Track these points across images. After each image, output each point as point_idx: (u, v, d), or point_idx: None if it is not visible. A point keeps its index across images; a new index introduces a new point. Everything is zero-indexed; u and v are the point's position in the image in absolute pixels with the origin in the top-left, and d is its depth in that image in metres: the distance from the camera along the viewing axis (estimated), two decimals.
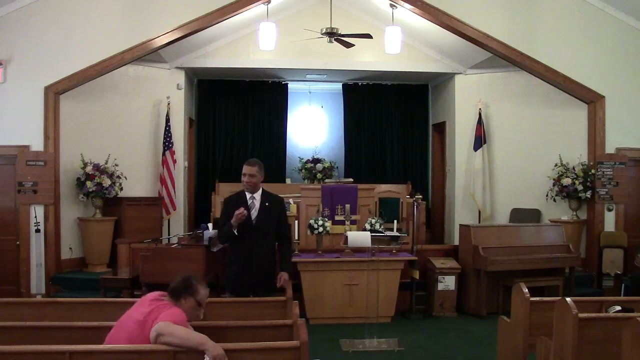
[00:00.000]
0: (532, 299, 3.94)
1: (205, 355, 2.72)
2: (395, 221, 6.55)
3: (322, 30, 7.49)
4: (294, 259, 5.79)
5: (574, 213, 7.90)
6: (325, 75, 10.10)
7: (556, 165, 8.00)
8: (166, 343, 2.76)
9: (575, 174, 7.74)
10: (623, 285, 7.26)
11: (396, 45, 7.64)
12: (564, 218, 7.87)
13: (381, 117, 10.69)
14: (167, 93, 8.70)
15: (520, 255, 6.53)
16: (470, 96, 9.08)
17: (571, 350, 3.26)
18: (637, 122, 7.74)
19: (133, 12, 7.07)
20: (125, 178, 7.78)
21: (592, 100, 7.75)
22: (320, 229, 6.27)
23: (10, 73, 6.96)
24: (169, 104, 8.62)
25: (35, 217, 6.97)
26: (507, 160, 8.83)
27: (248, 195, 4.45)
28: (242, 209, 4.26)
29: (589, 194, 7.64)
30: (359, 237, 5.43)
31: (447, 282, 6.59)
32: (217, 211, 8.00)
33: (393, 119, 10.71)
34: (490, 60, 8.43)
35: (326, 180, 9.39)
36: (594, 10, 7.59)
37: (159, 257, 5.60)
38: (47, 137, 7.04)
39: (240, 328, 3.31)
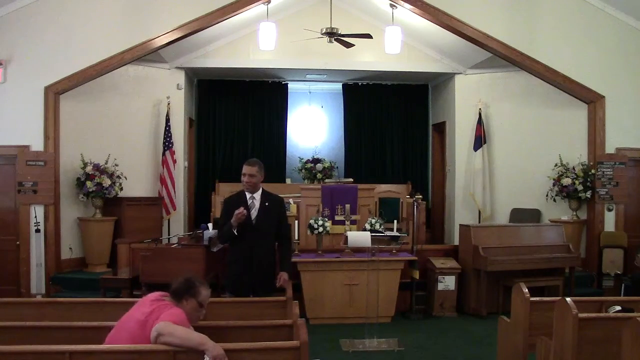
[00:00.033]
0: (532, 299, 3.94)
1: (205, 355, 2.72)
2: (395, 221, 6.55)
3: (322, 30, 7.49)
4: (294, 259, 5.79)
5: (574, 213, 7.90)
6: (325, 75, 10.10)
7: (556, 165, 8.00)
8: (166, 343, 2.76)
9: (575, 174, 7.74)
10: (623, 285, 7.26)
11: (396, 45, 7.64)
12: (564, 218, 7.87)
13: (381, 117, 10.69)
14: (167, 93, 8.70)
15: (520, 255, 6.53)
16: (470, 96, 9.08)
17: (571, 350, 3.26)
18: (637, 122, 7.74)
19: (133, 12, 7.07)
20: (125, 178, 7.78)
21: (592, 100, 7.76)
22: (320, 229, 6.27)
23: (10, 73, 6.96)
24: (169, 104, 8.62)
25: (35, 217, 6.97)
26: (507, 160, 8.83)
27: (248, 195, 4.45)
28: (242, 209, 4.26)
29: (589, 194, 7.64)
30: (359, 237, 5.43)
31: (447, 282, 6.59)
32: (217, 211, 8.00)
33: (393, 119, 10.71)
34: (490, 60, 8.43)
35: (326, 180, 9.39)
36: (594, 10, 7.59)
37: (159, 257, 5.60)
38: (47, 137, 7.05)
39: (240, 328, 3.31)
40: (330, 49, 8.13)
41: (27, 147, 6.99)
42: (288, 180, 10.26)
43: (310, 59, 8.99)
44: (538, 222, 8.14)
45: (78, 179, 7.42)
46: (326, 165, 10.02)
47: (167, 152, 8.42)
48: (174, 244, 6.65)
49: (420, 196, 7.57)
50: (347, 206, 6.78)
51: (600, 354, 3.32)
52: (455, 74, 9.31)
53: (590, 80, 7.63)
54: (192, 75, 9.83)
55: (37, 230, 6.98)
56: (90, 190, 7.30)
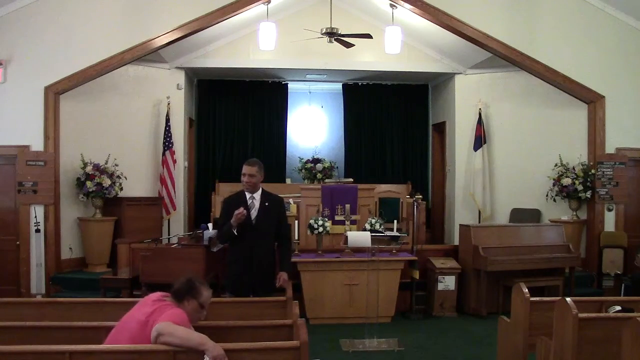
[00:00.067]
0: (532, 299, 3.94)
1: (205, 355, 2.72)
2: (395, 221, 6.55)
3: (322, 30, 7.49)
4: (294, 259, 5.79)
5: (574, 213, 7.90)
6: (325, 75, 10.10)
7: (556, 165, 8.00)
8: (166, 343, 2.76)
9: (575, 174, 7.74)
10: (623, 285, 7.26)
11: (396, 45, 7.64)
12: (564, 218, 7.87)
13: (381, 117, 10.69)
14: (167, 93, 8.70)
15: (520, 255, 6.53)
16: (470, 96, 9.08)
17: (571, 350, 3.26)
18: (637, 122, 7.74)
19: (133, 12, 7.07)
20: (125, 178, 7.78)
21: (592, 100, 7.76)
22: (320, 229, 6.27)
23: (10, 73, 6.96)
24: (169, 104, 8.62)
25: (35, 217, 6.97)
26: (507, 160, 8.83)
27: (248, 195, 4.45)
28: (241, 209, 4.26)
29: (589, 194, 7.64)
30: (359, 237, 5.42)
31: (447, 282, 6.59)
32: (217, 211, 8.00)
33: (393, 119, 10.71)
34: (490, 60, 8.43)
35: (326, 180, 9.39)
36: (594, 10, 7.59)
37: (159, 257, 5.60)
38: (47, 137, 7.05)
39: (240, 328, 3.31)
40: (330, 49, 8.13)
41: (27, 147, 6.99)
42: (288, 180, 10.26)
43: (310, 59, 8.99)
44: (538, 222, 8.14)
45: (78, 179, 7.42)
46: (326, 165, 10.02)
47: (167, 152, 8.42)
48: (174, 244, 6.65)
49: (420, 196, 7.57)
50: (347, 206, 6.78)
51: (600, 354, 3.32)
52: (455, 74, 9.31)
53: (590, 80, 7.63)
54: (192, 75, 9.83)
55: (37, 230, 6.98)
56: (90, 190, 7.30)
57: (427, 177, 10.69)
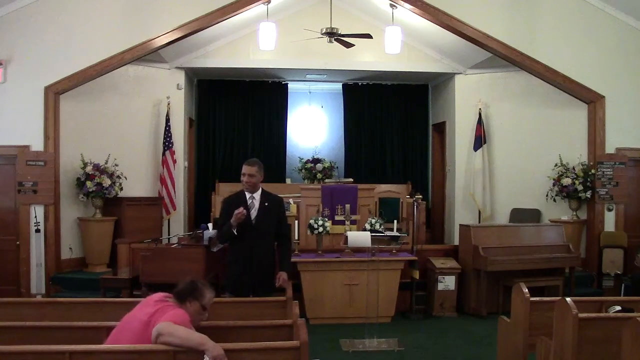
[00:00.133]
0: (532, 299, 3.94)
1: (205, 356, 2.72)
2: (395, 221, 6.55)
3: (322, 30, 7.49)
4: (294, 259, 5.79)
5: (574, 213, 7.90)
6: (325, 75, 10.10)
7: (556, 165, 8.00)
8: (166, 343, 2.76)
9: (575, 174, 7.74)
10: (623, 285, 7.26)
11: (396, 45, 7.64)
12: (564, 218, 7.87)
13: (381, 117, 10.69)
14: (167, 93, 8.70)
15: (520, 255, 6.53)
16: (470, 96, 9.08)
17: (571, 350, 3.26)
18: (637, 122, 7.74)
19: (133, 12, 7.07)
20: (125, 178, 7.78)
21: (592, 100, 7.76)
22: (320, 229, 6.27)
23: (10, 73, 6.96)
24: (169, 104, 8.62)
25: (35, 217, 6.97)
26: (507, 160, 8.83)
27: (248, 195, 4.46)
28: (241, 209, 4.26)
29: (589, 194, 7.64)
30: (359, 237, 5.42)
31: (447, 282, 6.59)
32: (217, 211, 7.99)
33: (393, 119, 10.71)
34: (490, 60, 8.43)
35: (326, 180, 9.39)
36: (594, 10, 7.59)
37: (159, 257, 5.60)
38: (47, 137, 7.05)
39: (240, 328, 3.31)
40: (330, 49, 8.13)
41: (27, 147, 6.99)
42: (288, 180, 10.26)
43: (310, 59, 8.99)
44: (538, 222, 8.14)
45: (78, 179, 7.42)
46: (326, 165, 10.02)
47: (167, 152, 8.42)
48: (174, 244, 6.65)
49: (420, 196, 7.57)
50: (347, 206, 6.78)
51: (600, 354, 3.32)
52: (455, 74, 9.31)
53: (590, 80, 7.63)
54: (192, 75, 9.83)
55: (37, 230, 6.98)
56: (90, 190, 7.30)
57: (427, 177, 10.69)
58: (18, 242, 7.02)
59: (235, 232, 4.32)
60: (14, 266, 7.01)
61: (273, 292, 4.36)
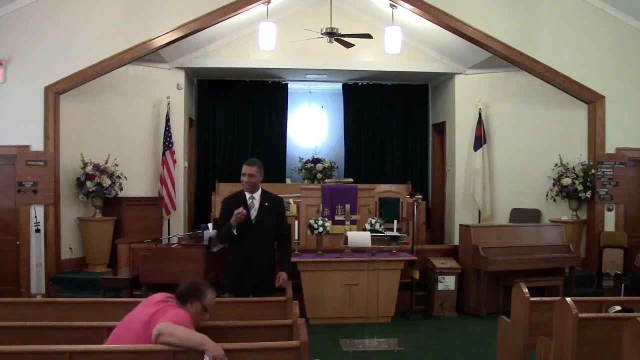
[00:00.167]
0: (532, 299, 3.94)
1: (205, 355, 2.72)
2: (395, 221, 6.55)
3: (322, 30, 7.49)
4: (294, 259, 5.79)
5: (574, 213, 7.90)
6: (325, 75, 10.10)
7: (556, 165, 8.00)
8: (166, 343, 2.76)
9: (575, 174, 7.74)
10: (623, 285, 7.26)
11: (396, 45, 7.64)
12: (564, 218, 7.87)
13: (381, 117, 10.69)
14: (167, 93, 8.70)
15: (520, 255, 6.53)
16: (470, 96, 9.08)
17: (571, 350, 3.26)
18: (637, 122, 7.74)
19: (133, 12, 7.07)
20: (125, 178, 7.78)
21: (592, 100, 7.76)
22: (320, 229, 6.27)
23: (10, 73, 6.96)
24: (169, 104, 8.62)
25: (35, 217, 6.97)
26: (507, 160, 8.83)
27: (247, 195, 4.46)
28: (241, 209, 4.26)
29: (589, 194, 7.64)
30: (359, 237, 5.42)
31: (447, 282, 6.59)
32: (217, 211, 7.99)
33: (393, 119, 10.71)
34: (490, 60, 8.43)
35: (326, 180, 9.39)
36: (594, 10, 7.59)
37: (159, 257, 5.60)
38: (47, 137, 7.05)
39: (240, 328, 3.31)
40: (330, 49, 8.13)
41: (27, 147, 6.99)
42: (288, 180, 10.26)
43: (310, 59, 8.99)
44: (538, 222, 8.14)
45: (78, 179, 7.42)
46: (326, 165, 10.02)
47: (167, 152, 8.42)
48: (174, 244, 6.65)
49: (420, 196, 7.57)
50: (347, 206, 6.78)
51: (600, 354, 3.32)
52: (455, 74, 9.31)
53: (590, 80, 7.63)
54: (192, 75, 9.83)
55: (37, 230, 6.98)
56: (90, 190, 7.30)
57: (427, 177, 10.69)
58: (18, 242, 7.02)
59: (235, 232, 4.32)
60: (14, 266, 7.01)
61: (273, 292, 4.36)
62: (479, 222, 8.68)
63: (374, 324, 5.46)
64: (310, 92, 11.16)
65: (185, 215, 9.27)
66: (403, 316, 6.56)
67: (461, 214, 9.15)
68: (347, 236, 5.44)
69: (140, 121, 8.50)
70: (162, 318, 2.86)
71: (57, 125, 7.20)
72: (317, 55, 8.83)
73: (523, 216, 8.39)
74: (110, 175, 7.48)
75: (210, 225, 6.10)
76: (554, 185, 7.94)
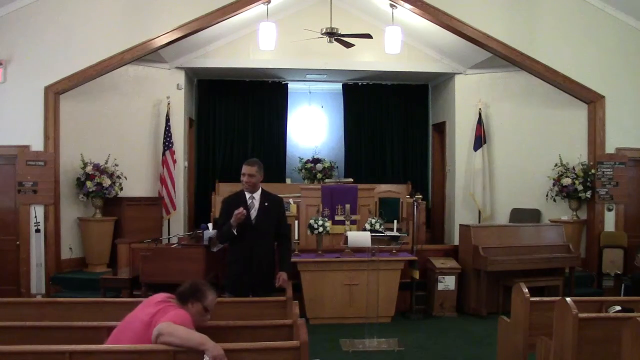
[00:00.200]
0: (532, 299, 3.94)
1: (205, 355, 2.72)
2: (395, 221, 6.55)
3: (322, 30, 7.49)
4: (294, 259, 5.79)
5: (574, 213, 7.90)
6: (325, 75, 10.10)
7: (556, 165, 8.00)
8: (166, 343, 2.76)
9: (575, 174, 7.74)
10: (623, 285, 7.26)
11: (396, 45, 7.64)
12: (564, 218, 7.87)
13: (381, 117, 10.69)
14: (167, 93, 8.70)
15: (520, 255, 6.53)
16: (470, 96, 9.08)
17: (571, 350, 3.26)
18: (637, 122, 7.74)
19: (133, 12, 7.07)
20: (125, 178, 7.78)
21: (592, 100, 7.76)
22: (320, 229, 6.27)
23: (10, 73, 6.96)
24: (169, 104, 8.62)
25: (35, 217, 6.97)
26: (507, 160, 8.83)
27: (247, 195, 4.45)
28: (241, 209, 4.26)
29: (589, 194, 7.64)
30: (359, 237, 5.42)
31: (447, 282, 6.59)
32: (217, 211, 7.99)
33: (393, 119, 10.71)
34: (490, 60, 8.43)
35: (326, 180, 9.39)
36: (594, 10, 7.59)
37: (159, 257, 5.60)
38: (47, 137, 7.05)
39: (240, 328, 3.31)
40: (330, 49, 8.13)
41: (27, 147, 6.99)
42: (288, 180, 10.26)
43: (310, 59, 8.99)
44: (538, 222, 8.14)
45: (78, 179, 7.42)
46: (326, 165, 10.02)
47: (167, 152, 8.42)
48: (174, 244, 6.65)
49: (420, 196, 7.56)
50: (347, 206, 6.78)
51: (600, 354, 3.32)
52: (455, 74, 9.31)
53: (590, 80, 7.63)
54: (192, 75, 9.83)
55: (37, 230, 6.98)
56: (90, 190, 7.30)
57: (427, 177, 10.69)
58: (18, 242, 7.02)
59: (235, 232, 4.32)
60: (14, 266, 7.01)
61: (273, 292, 4.36)
62: (479, 222, 8.68)
63: (374, 324, 5.46)
64: (310, 92, 11.16)
65: (185, 215, 9.27)
66: (403, 316, 6.56)
67: (461, 214, 9.15)
68: (347, 236, 5.44)
69: (140, 121, 8.50)
70: (163, 318, 2.86)
71: (57, 125, 7.20)
72: (317, 55, 8.83)
73: (523, 216, 8.39)
74: (110, 175, 7.48)
75: (210, 225, 6.10)
76: (554, 185, 7.94)
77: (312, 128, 11.24)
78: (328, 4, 7.80)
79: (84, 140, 7.62)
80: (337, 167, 10.41)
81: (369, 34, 7.60)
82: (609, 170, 7.63)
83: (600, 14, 7.60)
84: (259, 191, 4.48)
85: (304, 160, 10.16)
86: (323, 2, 8.19)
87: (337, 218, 6.76)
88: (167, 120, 8.53)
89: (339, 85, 10.78)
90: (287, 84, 10.57)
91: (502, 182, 8.87)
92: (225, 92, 10.37)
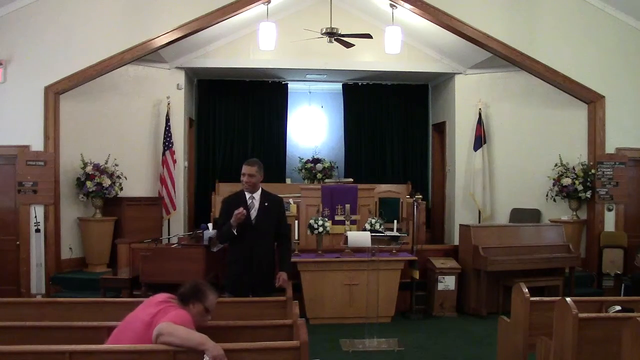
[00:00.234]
0: (532, 299, 3.94)
1: (205, 355, 2.72)
2: (395, 221, 6.55)
3: (322, 30, 7.49)
4: (294, 259, 5.79)
5: (574, 213, 7.90)
6: (325, 75, 10.10)
7: (556, 165, 8.00)
8: (166, 343, 2.76)
9: (575, 174, 7.74)
10: (623, 285, 7.26)
11: (396, 45, 7.64)
12: (564, 218, 7.87)
13: (381, 117, 10.69)
14: (167, 93, 8.70)
15: (520, 255, 6.53)
16: (470, 96, 9.08)
17: (571, 350, 3.26)
18: (637, 122, 7.74)
19: (133, 12, 7.07)
20: (125, 178, 7.78)
21: (592, 100, 7.76)
22: (320, 229, 6.27)
23: (10, 73, 6.96)
24: (169, 104, 8.62)
25: (35, 217, 6.97)
26: (507, 160, 8.83)
27: (247, 195, 4.45)
28: (241, 209, 4.26)
29: (589, 194, 7.64)
30: (359, 237, 5.42)
31: (447, 282, 6.59)
32: (217, 211, 7.98)
33: (393, 119, 10.71)
34: (490, 60, 8.43)
35: (326, 180, 9.39)
36: (594, 10, 7.59)
37: (159, 257, 5.60)
38: (47, 137, 7.05)
39: (240, 328, 3.31)
40: (330, 49, 8.13)
41: (27, 147, 6.99)
42: (288, 180, 10.26)
43: (310, 59, 8.99)
44: (538, 222, 8.14)
45: (78, 179, 7.42)
46: (326, 165, 10.02)
47: (167, 152, 8.42)
48: (174, 244, 6.65)
49: (420, 196, 7.57)
50: (347, 206, 6.78)
51: (600, 354, 3.32)
52: (455, 74, 9.31)
53: (590, 80, 7.63)
54: (192, 75, 9.83)
55: (37, 230, 6.98)
56: (90, 190, 7.30)
57: (427, 177, 10.69)
58: (18, 242, 7.02)
59: (235, 232, 4.32)
60: (14, 266, 7.02)
61: (273, 292, 4.36)
62: (479, 222, 8.68)
63: (374, 324, 5.46)
64: (310, 92, 11.16)
65: (185, 215, 9.27)
66: (403, 316, 6.56)
67: (461, 214, 9.15)
68: (347, 236, 5.44)
69: (140, 121, 8.50)
70: (164, 318, 2.86)
71: (57, 125, 7.20)
72: (317, 55, 8.83)
73: (523, 216, 8.39)
74: (110, 175, 7.48)
75: (210, 225, 6.10)
76: (554, 185, 7.94)
77: (312, 128, 11.24)
78: (328, 4, 7.79)
79: (84, 140, 7.62)
80: (337, 167, 10.41)
81: (369, 34, 7.60)
82: (609, 170, 7.63)
83: (600, 14, 7.60)
84: (259, 191, 4.48)
85: (304, 160, 10.16)
86: (323, 2, 8.19)
87: (337, 218, 6.76)
88: (167, 120, 8.53)
89: (339, 85, 10.79)
90: (287, 84, 10.57)
91: (502, 182, 8.87)
92: (225, 92, 10.37)
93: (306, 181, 9.89)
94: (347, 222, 6.73)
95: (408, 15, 7.84)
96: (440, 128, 10.09)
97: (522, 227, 7.10)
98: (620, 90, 7.68)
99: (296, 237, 6.06)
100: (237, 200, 4.44)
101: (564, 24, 7.60)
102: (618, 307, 3.86)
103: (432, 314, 6.60)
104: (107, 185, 7.37)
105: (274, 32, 7.45)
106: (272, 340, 3.03)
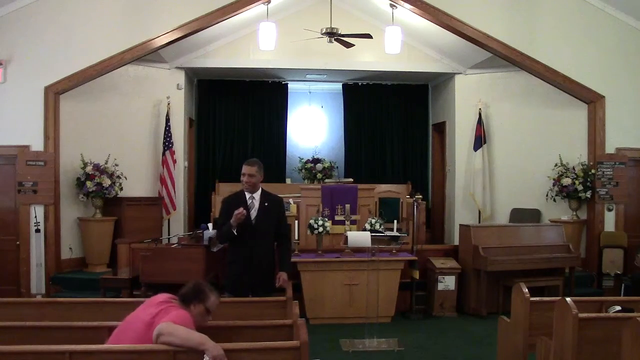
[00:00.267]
0: (532, 299, 3.94)
1: (205, 355, 2.72)
2: (395, 221, 6.54)
3: (322, 30, 7.49)
4: (294, 259, 5.79)
5: (574, 213, 7.90)
6: (325, 75, 10.10)
7: (556, 165, 8.00)
8: (166, 343, 2.76)
9: (575, 174, 7.75)
10: (623, 285, 7.26)
11: (396, 45, 7.64)
12: (564, 218, 7.87)
13: (381, 117, 10.69)
14: (167, 93, 8.70)
15: (520, 255, 6.53)
16: (470, 96, 9.08)
17: (571, 350, 3.26)
18: (637, 122, 7.74)
19: (133, 12, 7.07)
20: (125, 178, 7.78)
21: (592, 100, 7.76)
22: (320, 229, 6.27)
23: (10, 73, 6.96)
24: (169, 104, 8.62)
25: (35, 217, 6.97)
26: (507, 160, 8.83)
27: (247, 195, 4.45)
28: (241, 209, 4.26)
29: (589, 194, 7.64)
30: (359, 237, 5.43)
31: (447, 282, 6.59)
32: (217, 211, 7.97)
33: (393, 119, 10.71)
34: (490, 60, 8.43)
35: (326, 180, 9.39)
36: (594, 10, 7.59)
37: (159, 257, 5.60)
38: (47, 137, 7.05)
39: (240, 328, 3.31)
40: (330, 49, 8.13)
41: (27, 147, 6.99)
42: (288, 180, 10.26)
43: (310, 59, 8.99)
44: (538, 222, 8.13)
45: (78, 179, 7.42)
46: (326, 165, 10.02)
47: (167, 152, 8.42)
48: (174, 244, 6.65)
49: (420, 196, 7.57)
50: (347, 206, 6.78)
51: (600, 354, 3.32)
52: (455, 74, 9.31)
53: (590, 80, 7.63)
54: (192, 75, 9.83)
55: (37, 230, 6.98)
56: (90, 190, 7.30)
57: (427, 177, 10.69)
58: (18, 242, 7.02)
59: (235, 232, 4.32)
60: (14, 266, 7.02)
61: (273, 292, 4.36)
62: (479, 222, 8.68)
63: (374, 324, 5.46)
64: (310, 92, 11.16)
65: (185, 215, 9.27)
66: (403, 316, 6.56)
67: (461, 214, 9.15)
68: (347, 236, 5.44)
69: (140, 121, 8.50)
70: (164, 318, 2.87)
71: (57, 125, 7.20)
72: (317, 55, 8.83)
73: (523, 216, 8.39)
74: (110, 175, 7.48)
75: (210, 225, 6.10)
76: (554, 185, 7.95)
77: (312, 128, 11.24)
78: (328, 4, 7.79)
79: (84, 140, 7.62)
80: (337, 167, 10.40)
81: (369, 34, 7.60)
82: (609, 170, 7.63)
83: (600, 14, 7.60)
84: (259, 191, 4.48)
85: (304, 160, 10.16)
86: (323, 2, 8.19)
87: (337, 218, 6.76)
88: (167, 120, 8.53)
89: (339, 85, 10.79)
90: (287, 84, 10.57)
91: (502, 182, 8.87)
92: (225, 92, 10.38)
93: (306, 181, 9.89)
94: (347, 222, 6.73)
95: (408, 15, 7.84)
96: (440, 128, 10.09)
97: (522, 227, 7.10)
98: (620, 90, 7.68)
99: (296, 237, 6.06)
100: (237, 200, 4.44)
101: (564, 24, 7.60)
102: (618, 307, 3.86)
103: (432, 314, 6.60)
104: (107, 185, 7.37)
105: (274, 32, 7.45)
106: (272, 340, 3.03)
